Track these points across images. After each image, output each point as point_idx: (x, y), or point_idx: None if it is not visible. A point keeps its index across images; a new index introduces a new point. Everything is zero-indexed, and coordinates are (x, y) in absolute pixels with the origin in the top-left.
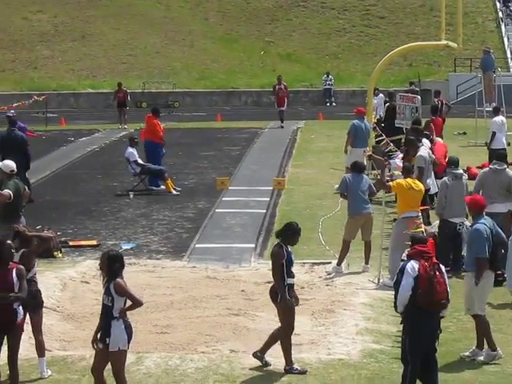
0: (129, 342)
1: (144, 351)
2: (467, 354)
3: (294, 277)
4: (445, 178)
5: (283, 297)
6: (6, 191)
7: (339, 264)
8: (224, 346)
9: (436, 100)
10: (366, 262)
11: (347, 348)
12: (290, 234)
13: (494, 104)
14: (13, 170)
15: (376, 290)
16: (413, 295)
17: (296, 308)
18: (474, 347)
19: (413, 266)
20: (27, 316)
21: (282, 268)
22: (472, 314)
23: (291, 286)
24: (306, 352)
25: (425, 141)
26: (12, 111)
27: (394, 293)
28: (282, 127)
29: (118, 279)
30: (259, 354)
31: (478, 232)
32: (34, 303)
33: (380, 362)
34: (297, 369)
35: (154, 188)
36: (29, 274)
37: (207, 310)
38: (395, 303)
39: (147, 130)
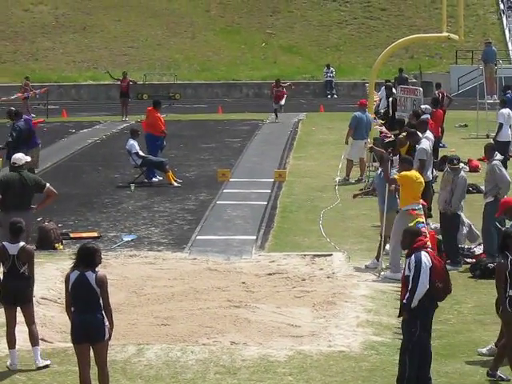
0: (77, 338)
1: (145, 343)
2: (484, 351)
3: None
4: (463, 173)
5: (503, 308)
6: None
7: (378, 259)
8: (225, 337)
9: (437, 92)
10: (378, 258)
11: (348, 340)
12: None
13: (496, 96)
14: (14, 163)
15: (377, 283)
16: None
17: (297, 300)
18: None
19: (427, 258)
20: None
21: (505, 279)
22: None
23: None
24: (306, 344)
25: (428, 133)
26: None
27: (397, 285)
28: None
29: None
30: (491, 372)
31: None
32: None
33: (381, 355)
34: (500, 376)
35: (146, 181)
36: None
37: (208, 302)
38: (410, 299)
39: (148, 123)
